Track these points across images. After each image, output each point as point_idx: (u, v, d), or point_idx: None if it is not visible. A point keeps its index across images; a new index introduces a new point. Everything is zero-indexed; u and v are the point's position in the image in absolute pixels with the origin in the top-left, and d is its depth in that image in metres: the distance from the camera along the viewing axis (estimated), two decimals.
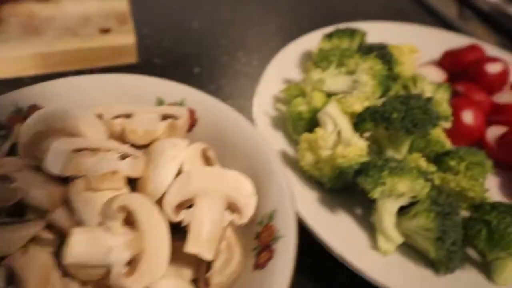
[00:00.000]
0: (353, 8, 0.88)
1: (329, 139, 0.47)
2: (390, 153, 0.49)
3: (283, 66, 0.61)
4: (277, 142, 0.51)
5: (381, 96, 0.51)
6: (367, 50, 0.56)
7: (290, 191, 0.38)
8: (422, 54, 0.69)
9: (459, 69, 0.65)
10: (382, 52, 0.54)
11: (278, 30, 0.78)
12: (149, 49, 0.70)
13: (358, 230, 0.45)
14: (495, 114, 0.60)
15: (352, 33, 0.60)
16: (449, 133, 0.58)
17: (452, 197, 0.44)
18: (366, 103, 0.49)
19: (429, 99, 0.47)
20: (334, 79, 0.51)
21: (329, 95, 0.51)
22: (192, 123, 0.47)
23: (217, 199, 0.38)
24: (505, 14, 0.92)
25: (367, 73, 0.49)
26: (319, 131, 0.46)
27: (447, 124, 0.55)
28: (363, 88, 0.48)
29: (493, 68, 0.61)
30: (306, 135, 0.47)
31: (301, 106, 0.50)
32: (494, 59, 0.62)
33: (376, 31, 0.71)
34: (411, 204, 0.44)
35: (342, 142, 0.46)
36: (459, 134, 0.58)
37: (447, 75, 0.65)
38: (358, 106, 0.48)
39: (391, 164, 0.42)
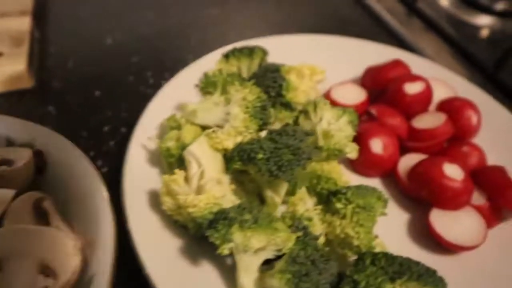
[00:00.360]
0: (287, 17, 0.81)
1: (191, 182, 0.41)
2: (269, 194, 0.43)
3: (179, 91, 0.55)
4: (150, 180, 0.46)
5: (261, 129, 0.45)
6: (261, 73, 0.50)
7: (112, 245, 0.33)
8: (350, 70, 0.63)
9: (380, 88, 0.58)
10: (273, 76, 0.48)
11: (199, 44, 0.72)
12: (51, 70, 0.65)
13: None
14: (412, 140, 0.53)
15: (250, 52, 0.54)
16: (358, 164, 0.52)
17: (321, 251, 0.38)
18: (239, 139, 0.43)
19: (308, 134, 0.42)
20: (208, 111, 0.45)
21: (205, 128, 0.45)
22: (41, 166, 0.43)
23: (28, 262, 0.33)
24: (459, 22, 0.85)
25: (239, 104, 0.43)
26: (177, 173, 0.41)
27: (352, 155, 0.49)
28: (234, 122, 0.43)
29: (412, 89, 0.55)
30: (165, 177, 0.41)
31: (170, 142, 0.45)
32: (414, 78, 0.55)
33: (298, 45, 0.65)
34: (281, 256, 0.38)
35: (200, 186, 0.40)
36: (368, 165, 0.52)
37: (367, 95, 0.59)
38: (229, 143, 0.42)
39: (244, 217, 0.37)
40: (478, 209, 0.47)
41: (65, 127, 0.57)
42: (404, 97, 0.54)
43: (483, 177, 0.49)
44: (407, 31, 0.79)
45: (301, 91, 0.49)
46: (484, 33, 0.82)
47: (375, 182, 0.52)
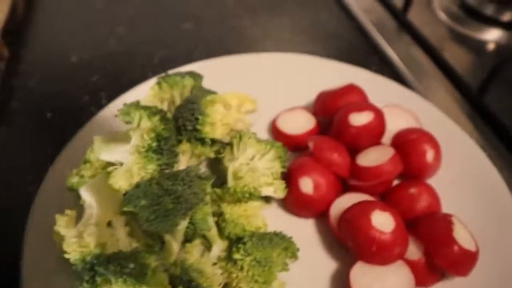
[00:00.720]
0: (262, 32, 0.77)
1: (79, 224, 0.39)
2: (167, 238, 0.40)
3: (111, 120, 0.53)
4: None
5: (166, 169, 0.42)
6: (184, 103, 0.47)
7: None
8: (309, 93, 0.58)
9: (330, 116, 0.53)
10: (191, 108, 0.45)
11: (164, 62, 0.70)
12: (13, 89, 0.66)
13: None
14: (354, 178, 0.48)
15: (182, 79, 0.51)
16: (289, 203, 0.48)
17: None
18: (136, 179, 0.40)
19: (202, 178, 0.38)
20: (112, 146, 0.43)
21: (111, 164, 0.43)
22: None
23: None
24: (456, 36, 0.76)
25: (138, 142, 0.40)
26: (68, 213, 0.39)
27: (277, 195, 0.45)
28: (130, 160, 0.40)
29: (358, 120, 0.49)
30: (57, 216, 0.40)
31: (75, 178, 0.43)
32: (362, 107, 0.50)
33: (255, 65, 0.61)
34: None
35: (86, 230, 0.38)
36: (298, 205, 0.47)
37: (316, 124, 0.54)
38: (124, 183, 0.40)
39: (116, 268, 0.34)
40: (412, 264, 0.41)
41: (13, 151, 0.57)
42: (349, 129, 0.49)
43: (423, 227, 0.43)
44: (394, 47, 0.72)
45: (220, 125, 0.45)
46: (474, 52, 0.73)
47: (308, 223, 0.48)
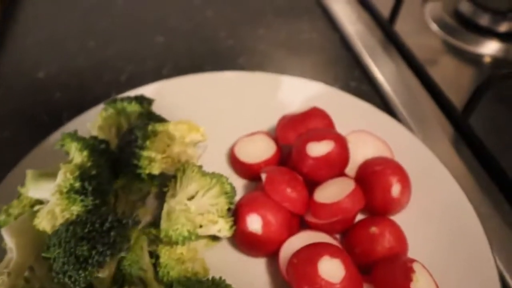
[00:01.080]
0: (240, 45, 0.73)
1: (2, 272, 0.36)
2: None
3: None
4: None
5: (98, 207, 0.38)
6: (124, 134, 0.44)
7: None
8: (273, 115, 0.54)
9: (290, 143, 0.49)
10: (129, 139, 0.42)
11: (130, 79, 0.67)
12: None
13: None
14: (311, 215, 0.44)
15: (129, 104, 0.47)
16: (238, 242, 0.44)
17: None
18: (59, 221, 0.37)
19: (119, 221, 0.35)
20: (42, 182, 0.40)
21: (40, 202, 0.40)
22: None
23: None
24: (449, 48, 0.71)
25: (62, 179, 0.37)
26: None
27: (222, 234, 0.41)
28: (52, 200, 0.37)
29: (316, 150, 0.45)
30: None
31: (2, 215, 0.40)
32: (321, 136, 0.45)
33: (217, 85, 0.57)
34: None
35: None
36: (246, 245, 0.44)
37: (277, 151, 0.50)
38: (46, 224, 0.37)
39: None
40: None
41: None
42: (306, 160, 0.45)
43: (380, 274, 0.39)
44: (377, 61, 0.67)
45: (161, 158, 0.41)
46: (468, 66, 0.68)
47: (259, 263, 0.44)
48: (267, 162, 0.48)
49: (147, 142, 0.41)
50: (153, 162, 0.41)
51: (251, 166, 0.48)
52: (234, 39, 0.74)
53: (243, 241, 0.43)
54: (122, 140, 0.43)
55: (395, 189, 0.44)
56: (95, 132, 0.47)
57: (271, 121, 0.54)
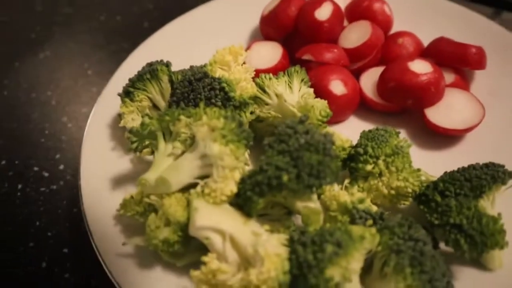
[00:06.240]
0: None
1: (228, 257, 0.31)
2: (300, 206, 0.35)
3: None
4: None
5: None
6: (185, 89, 0.39)
7: None
8: None
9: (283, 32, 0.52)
10: (205, 84, 0.38)
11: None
12: None
13: None
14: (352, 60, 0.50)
15: (152, 75, 0.42)
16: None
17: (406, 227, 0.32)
18: (238, 176, 0.33)
19: (301, 121, 0.34)
20: (176, 169, 0.34)
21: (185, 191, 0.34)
22: None
23: None
24: None
25: (211, 139, 0.33)
26: (209, 258, 0.30)
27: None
28: (220, 161, 0.33)
29: (322, 13, 0.50)
30: (196, 274, 0.31)
31: (161, 233, 0.33)
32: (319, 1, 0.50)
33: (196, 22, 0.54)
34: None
35: (246, 257, 0.31)
36: (340, 107, 0.47)
37: (283, 50, 0.52)
38: (230, 187, 0.33)
39: (327, 254, 0.29)
40: (454, 85, 0.47)
41: None
42: (319, 26, 0.49)
43: (437, 55, 0.49)
44: None
45: (243, 80, 0.40)
46: None
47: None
48: (279, 62, 0.50)
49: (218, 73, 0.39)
50: (242, 84, 0.39)
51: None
52: None
53: (336, 107, 0.45)
54: (193, 92, 0.39)
55: (386, 9, 0.53)
56: None
57: None
